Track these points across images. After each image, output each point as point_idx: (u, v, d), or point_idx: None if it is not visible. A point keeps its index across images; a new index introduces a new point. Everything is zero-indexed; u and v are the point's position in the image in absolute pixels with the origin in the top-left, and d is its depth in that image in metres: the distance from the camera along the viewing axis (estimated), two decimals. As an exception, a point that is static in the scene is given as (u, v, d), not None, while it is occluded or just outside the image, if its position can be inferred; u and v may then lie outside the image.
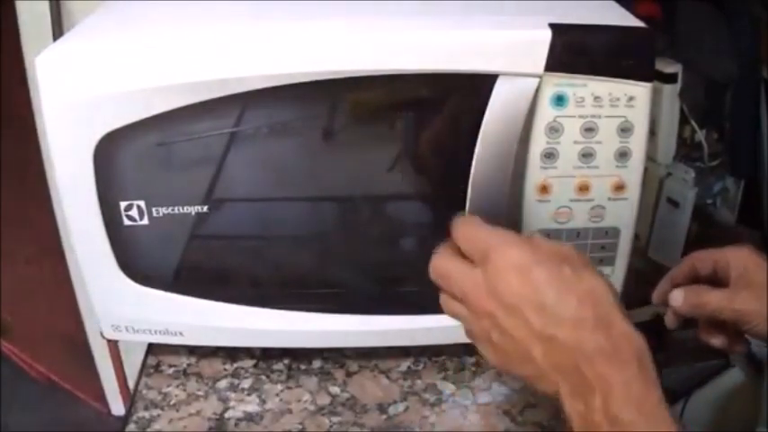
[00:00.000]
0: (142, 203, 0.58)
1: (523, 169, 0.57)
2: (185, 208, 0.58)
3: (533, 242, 0.44)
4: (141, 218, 0.58)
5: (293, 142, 0.60)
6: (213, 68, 0.52)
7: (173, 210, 0.58)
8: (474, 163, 0.55)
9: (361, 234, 0.64)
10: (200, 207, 0.58)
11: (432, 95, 0.57)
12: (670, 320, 0.59)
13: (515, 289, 0.42)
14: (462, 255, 0.45)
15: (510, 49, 0.53)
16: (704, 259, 0.58)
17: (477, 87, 0.53)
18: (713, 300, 0.55)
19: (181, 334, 0.64)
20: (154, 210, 0.58)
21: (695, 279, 0.58)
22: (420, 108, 0.57)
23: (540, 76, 0.53)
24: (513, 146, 0.54)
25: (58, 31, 0.97)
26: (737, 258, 0.56)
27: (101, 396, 1.46)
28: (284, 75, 0.52)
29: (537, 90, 0.53)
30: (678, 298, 0.56)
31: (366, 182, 0.61)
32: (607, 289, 0.42)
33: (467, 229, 0.46)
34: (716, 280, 0.57)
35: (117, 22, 0.60)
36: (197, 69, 0.53)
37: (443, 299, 0.47)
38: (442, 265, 0.46)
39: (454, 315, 0.47)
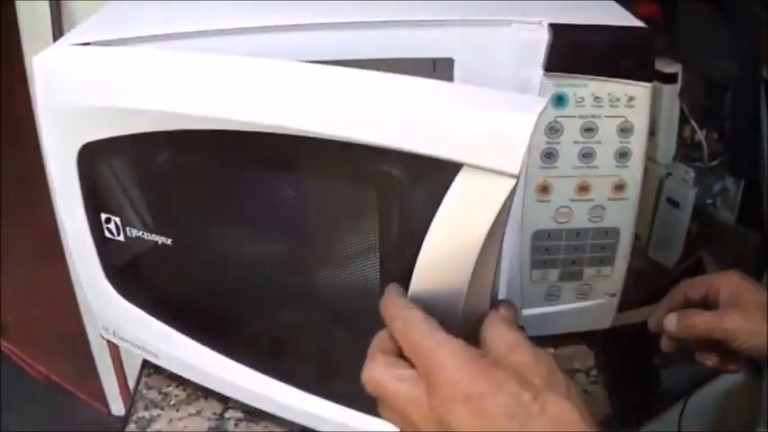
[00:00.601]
0: (118, 220, 0.56)
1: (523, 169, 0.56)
2: (152, 235, 0.55)
3: (480, 358, 0.37)
4: (118, 233, 0.56)
5: (261, 191, 0.53)
6: (189, 103, 0.47)
7: (142, 234, 0.55)
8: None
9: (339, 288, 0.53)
10: (164, 239, 0.55)
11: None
12: (666, 344, 0.63)
13: (468, 424, 0.36)
14: (394, 349, 0.40)
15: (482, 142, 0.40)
16: (695, 286, 0.62)
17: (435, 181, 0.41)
18: (703, 320, 0.58)
19: (156, 355, 0.62)
20: (128, 229, 0.56)
21: (688, 306, 0.62)
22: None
23: (517, 176, 0.38)
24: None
25: (58, 31, 0.97)
26: (726, 282, 0.60)
27: (101, 396, 1.46)
28: (243, 122, 0.46)
29: (537, 90, 0.53)
30: (673, 322, 0.60)
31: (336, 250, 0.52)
32: (576, 413, 0.36)
33: (398, 318, 0.40)
34: (707, 304, 0.61)
35: (117, 24, 0.60)
36: (174, 100, 0.48)
37: (382, 409, 0.41)
38: (378, 381, 0.39)
39: (395, 424, 0.41)
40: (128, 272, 0.59)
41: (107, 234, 0.57)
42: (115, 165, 0.55)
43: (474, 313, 0.41)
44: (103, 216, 0.56)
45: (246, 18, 0.57)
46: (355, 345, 0.43)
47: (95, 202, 0.56)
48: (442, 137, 0.39)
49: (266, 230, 0.55)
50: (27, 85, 1.01)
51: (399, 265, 0.43)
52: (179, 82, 0.48)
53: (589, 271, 0.62)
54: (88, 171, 0.54)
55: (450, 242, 0.41)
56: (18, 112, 1.05)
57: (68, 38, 0.57)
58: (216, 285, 0.58)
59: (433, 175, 0.40)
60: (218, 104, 0.46)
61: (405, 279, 0.42)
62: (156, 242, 0.55)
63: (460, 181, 0.40)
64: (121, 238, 0.56)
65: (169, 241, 0.55)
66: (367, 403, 0.42)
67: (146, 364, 0.68)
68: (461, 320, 0.41)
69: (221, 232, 0.55)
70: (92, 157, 0.54)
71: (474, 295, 0.42)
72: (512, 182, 0.38)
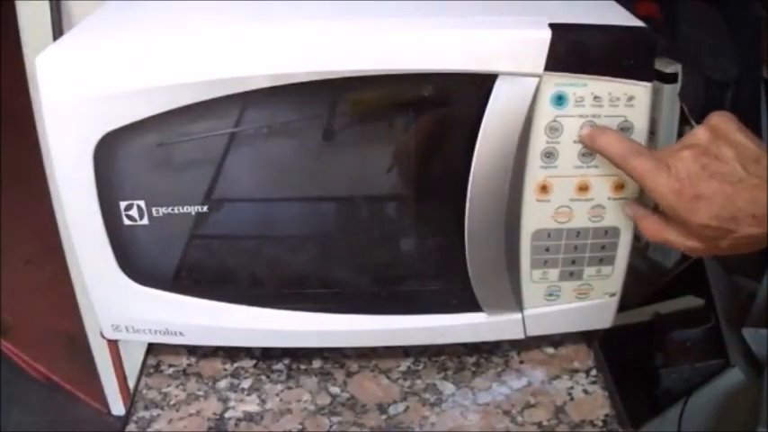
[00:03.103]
0: (142, 203, 0.58)
1: (523, 169, 0.57)
2: (185, 208, 0.58)
3: None
4: (141, 218, 0.58)
5: (293, 142, 0.60)
6: (213, 68, 0.52)
7: (172, 210, 0.58)
8: (474, 162, 0.55)
9: (361, 234, 0.64)
10: (199, 207, 0.58)
11: (431, 95, 0.57)
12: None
13: None
14: None
15: (510, 49, 0.53)
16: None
17: (476, 87, 0.53)
18: (608, 142, 0.53)
19: (181, 334, 0.64)
20: (154, 210, 0.58)
21: None
22: (420, 108, 0.57)
23: (540, 76, 0.53)
24: (512, 145, 0.54)
25: (58, 31, 0.97)
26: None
27: (101, 396, 1.46)
28: (284, 75, 0.53)
29: (537, 90, 0.53)
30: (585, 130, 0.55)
31: (365, 182, 0.61)
32: None
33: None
34: None
35: (117, 22, 0.60)
36: (197, 69, 0.53)
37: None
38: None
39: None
40: (147, 255, 0.61)
41: (127, 222, 0.58)
42: (140, 148, 0.57)
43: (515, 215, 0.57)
44: (123, 204, 0.58)
45: (244, 18, 0.57)
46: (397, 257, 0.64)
47: (114, 192, 0.57)
48: (481, 55, 0.52)
49: (307, 174, 0.61)
50: (27, 85, 1.01)
51: (455, 176, 0.56)
52: (209, 49, 0.53)
53: (589, 271, 0.62)
54: (107, 162, 0.56)
55: (496, 139, 0.54)
56: (18, 112, 1.05)
57: (68, 37, 0.57)
58: (257, 236, 0.64)
59: (476, 87, 0.53)
60: (253, 63, 0.53)
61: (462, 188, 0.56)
62: (189, 213, 0.58)
63: (498, 87, 0.53)
64: (145, 221, 0.58)
65: (205, 208, 0.58)
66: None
67: (146, 364, 0.68)
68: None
69: (261, 186, 0.62)
70: (111, 148, 0.55)
71: (513, 193, 0.56)
72: (536, 80, 0.53)
